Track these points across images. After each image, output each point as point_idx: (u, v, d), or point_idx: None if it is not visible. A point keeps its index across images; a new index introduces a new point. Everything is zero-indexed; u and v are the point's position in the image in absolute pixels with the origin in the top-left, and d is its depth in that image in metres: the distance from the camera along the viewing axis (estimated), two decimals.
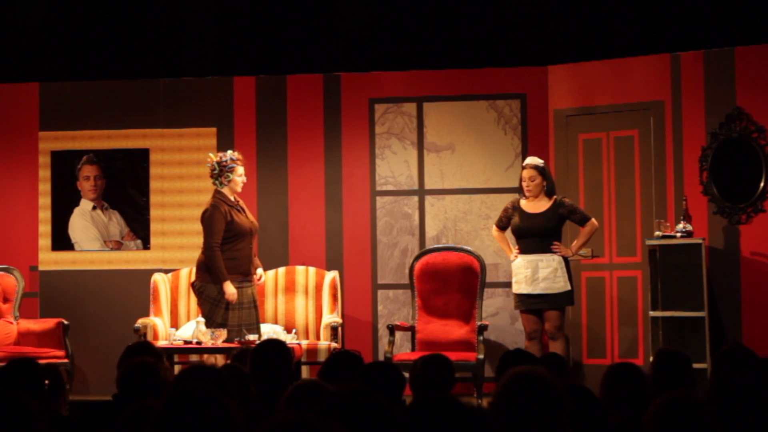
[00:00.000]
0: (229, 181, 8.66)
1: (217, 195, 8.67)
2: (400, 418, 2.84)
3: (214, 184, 8.73)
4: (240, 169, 8.67)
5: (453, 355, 7.76)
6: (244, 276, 8.63)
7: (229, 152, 8.74)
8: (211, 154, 8.85)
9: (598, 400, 4.09)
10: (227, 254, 8.54)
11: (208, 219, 8.57)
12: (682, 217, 8.93)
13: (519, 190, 8.86)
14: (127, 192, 10.23)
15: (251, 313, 8.66)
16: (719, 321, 8.92)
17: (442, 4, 10.02)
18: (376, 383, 4.33)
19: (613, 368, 4.45)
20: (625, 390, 4.29)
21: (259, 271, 8.86)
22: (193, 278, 8.90)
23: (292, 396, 3.65)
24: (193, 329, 8.76)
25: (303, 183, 10.08)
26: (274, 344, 5.16)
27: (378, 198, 10.06)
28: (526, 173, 8.76)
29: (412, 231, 10.02)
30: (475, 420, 2.77)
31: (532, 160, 8.83)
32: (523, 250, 8.70)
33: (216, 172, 8.67)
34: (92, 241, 10.22)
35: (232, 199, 8.69)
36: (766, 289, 8.96)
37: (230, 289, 8.47)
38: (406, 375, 5.01)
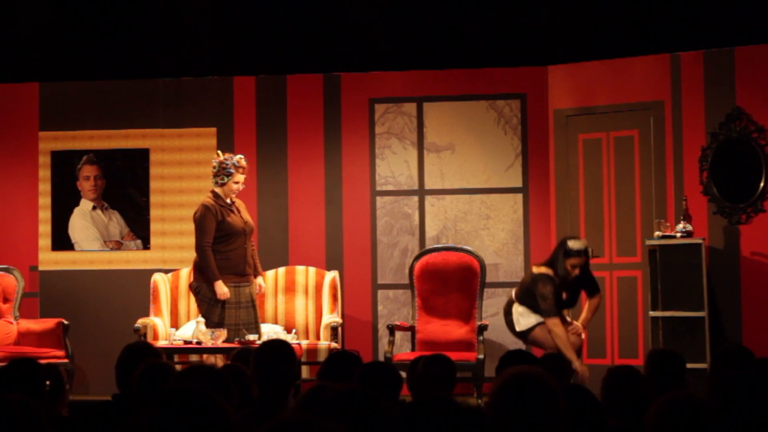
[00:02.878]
0: (223, 184, 8.66)
1: (211, 194, 8.68)
2: (397, 419, 2.84)
3: (211, 180, 8.74)
4: (238, 177, 8.64)
5: (453, 355, 7.74)
6: (239, 276, 8.62)
7: (237, 157, 8.70)
8: (219, 152, 8.86)
9: (596, 401, 4.09)
10: (221, 254, 8.53)
11: (199, 219, 8.57)
12: (682, 217, 8.93)
13: (561, 268, 8.27)
14: (127, 192, 10.24)
15: (249, 312, 8.64)
16: (719, 321, 8.92)
17: (442, 4, 10.02)
18: (373, 383, 4.33)
19: (613, 371, 4.45)
20: (625, 393, 4.29)
21: (259, 280, 8.84)
22: (191, 279, 8.89)
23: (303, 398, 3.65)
24: (193, 329, 8.76)
25: (303, 183, 10.08)
26: (279, 344, 5.16)
27: (378, 198, 10.06)
28: (580, 260, 8.26)
29: (412, 231, 10.02)
30: (470, 420, 2.77)
31: (583, 244, 8.39)
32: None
33: (215, 170, 8.68)
34: (92, 241, 10.22)
35: (226, 200, 8.68)
36: (766, 289, 8.96)
37: (221, 289, 8.46)
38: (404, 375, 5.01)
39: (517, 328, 8.38)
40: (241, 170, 8.65)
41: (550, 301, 8.18)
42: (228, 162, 8.64)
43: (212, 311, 8.54)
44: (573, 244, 8.25)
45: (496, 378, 3.18)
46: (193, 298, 9.44)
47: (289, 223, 10.07)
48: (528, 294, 8.33)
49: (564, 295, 8.35)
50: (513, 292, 8.56)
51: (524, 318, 8.38)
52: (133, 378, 4.49)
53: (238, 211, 8.74)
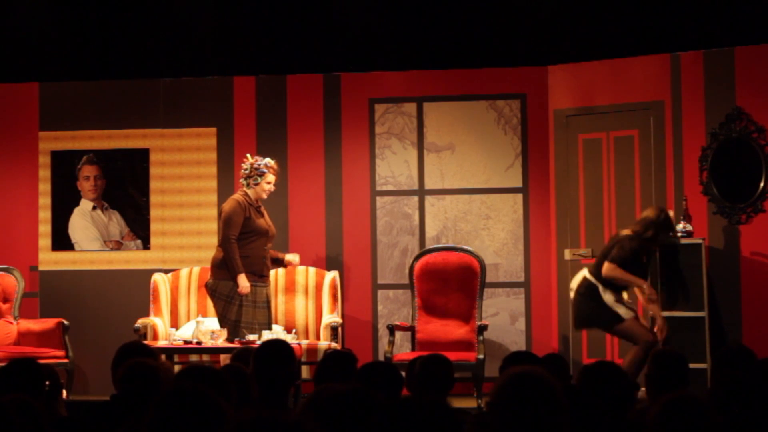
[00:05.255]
0: (256, 185, 8.73)
1: (242, 192, 8.75)
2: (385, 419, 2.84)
3: (241, 183, 8.80)
4: (270, 177, 8.74)
5: (453, 355, 7.76)
6: (257, 276, 8.66)
7: (267, 159, 8.81)
8: (248, 155, 8.91)
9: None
10: (241, 252, 8.58)
11: (228, 212, 8.64)
12: (682, 217, 8.92)
13: (666, 228, 8.43)
14: (127, 192, 10.24)
15: (265, 312, 8.72)
16: (719, 321, 8.92)
17: (442, 4, 10.01)
18: (373, 383, 4.33)
19: (588, 367, 4.43)
20: (607, 386, 4.29)
21: (288, 257, 8.96)
22: (208, 278, 8.87)
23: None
24: (193, 329, 8.76)
25: (303, 183, 10.08)
26: (279, 344, 5.16)
27: (378, 198, 10.06)
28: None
29: (412, 231, 10.02)
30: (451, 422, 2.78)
31: None
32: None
33: (247, 172, 8.75)
34: (92, 241, 10.22)
35: (254, 200, 8.75)
36: (766, 289, 8.95)
37: (244, 282, 8.52)
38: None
39: (620, 312, 8.35)
40: (272, 171, 8.74)
41: (625, 253, 8.28)
42: (260, 163, 8.73)
43: (230, 308, 8.57)
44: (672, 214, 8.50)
45: (498, 378, 3.18)
46: (193, 298, 9.45)
47: (289, 223, 10.06)
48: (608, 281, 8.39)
49: (644, 258, 8.46)
50: (587, 275, 8.47)
51: (618, 307, 8.37)
52: (115, 380, 4.49)
53: (263, 215, 8.81)
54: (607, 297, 8.37)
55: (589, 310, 8.44)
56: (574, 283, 8.63)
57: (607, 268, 8.33)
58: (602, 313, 8.36)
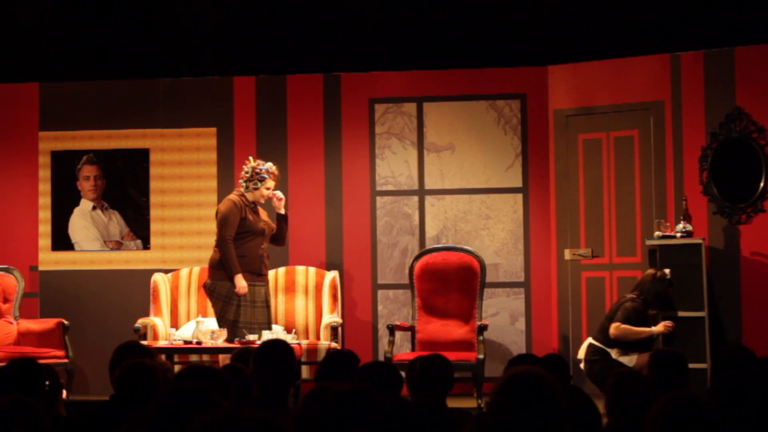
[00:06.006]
0: (256, 189, 8.73)
1: (237, 192, 8.75)
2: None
3: (240, 184, 8.80)
4: (270, 183, 8.76)
5: (453, 355, 7.76)
6: (255, 275, 8.66)
7: (269, 164, 8.81)
8: (250, 158, 8.92)
9: (592, 402, 4.09)
10: (238, 252, 8.59)
11: (224, 212, 8.65)
12: (682, 217, 8.93)
13: (662, 284, 8.54)
14: (127, 192, 10.24)
15: (264, 312, 8.72)
16: (719, 321, 8.92)
17: (442, 4, 10.01)
18: (373, 383, 4.33)
19: (619, 375, 4.45)
20: (629, 396, 4.30)
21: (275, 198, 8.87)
22: (206, 278, 8.88)
23: None
24: (193, 329, 8.76)
25: (303, 183, 10.08)
26: (279, 344, 5.16)
27: (378, 198, 10.06)
28: None
29: (412, 231, 10.02)
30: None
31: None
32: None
33: (248, 175, 8.75)
34: (92, 241, 10.22)
35: (250, 201, 8.76)
36: (766, 289, 8.96)
37: (241, 282, 8.52)
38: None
39: (625, 362, 8.44)
40: (272, 177, 8.75)
41: (629, 313, 8.38)
42: (261, 168, 8.73)
43: (228, 309, 8.58)
44: (668, 273, 8.56)
45: (498, 378, 3.18)
46: (193, 298, 9.45)
47: (289, 223, 10.05)
48: (613, 339, 8.49)
49: (651, 312, 8.57)
50: (592, 341, 8.55)
51: (625, 357, 8.46)
52: (113, 381, 4.48)
53: (260, 213, 8.82)
54: (615, 353, 8.44)
55: (602, 370, 8.45)
56: (581, 353, 8.63)
57: (613, 327, 8.39)
58: (612, 369, 8.40)
